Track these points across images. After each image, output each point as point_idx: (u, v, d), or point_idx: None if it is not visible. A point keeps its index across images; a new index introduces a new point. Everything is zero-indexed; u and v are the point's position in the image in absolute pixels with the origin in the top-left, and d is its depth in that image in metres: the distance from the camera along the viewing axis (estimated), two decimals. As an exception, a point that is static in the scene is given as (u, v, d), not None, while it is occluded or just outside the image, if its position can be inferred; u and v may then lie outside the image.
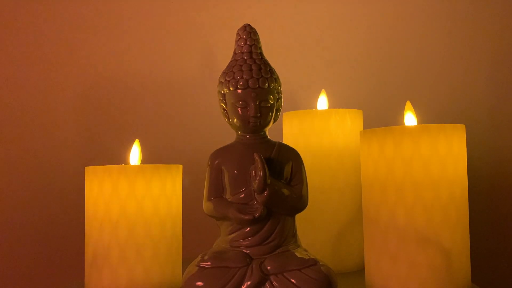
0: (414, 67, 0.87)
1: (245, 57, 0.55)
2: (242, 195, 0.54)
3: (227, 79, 0.55)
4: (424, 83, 0.87)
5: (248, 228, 0.53)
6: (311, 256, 0.51)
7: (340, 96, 0.78)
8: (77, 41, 0.88)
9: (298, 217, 0.56)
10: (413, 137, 0.52)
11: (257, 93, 0.54)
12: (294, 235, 0.55)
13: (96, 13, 0.89)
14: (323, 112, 0.68)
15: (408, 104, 0.59)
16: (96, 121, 0.88)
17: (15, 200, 0.86)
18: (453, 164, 0.52)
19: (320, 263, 0.51)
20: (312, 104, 0.75)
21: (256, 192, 0.52)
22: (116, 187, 0.56)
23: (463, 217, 0.54)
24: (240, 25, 0.57)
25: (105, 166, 0.57)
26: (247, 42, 0.56)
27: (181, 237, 0.61)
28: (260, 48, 0.56)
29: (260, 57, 0.55)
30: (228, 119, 0.56)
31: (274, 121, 0.57)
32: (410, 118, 0.58)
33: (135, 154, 0.63)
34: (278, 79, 0.56)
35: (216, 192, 0.55)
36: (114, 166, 0.57)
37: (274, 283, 0.49)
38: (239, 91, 0.54)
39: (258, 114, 0.54)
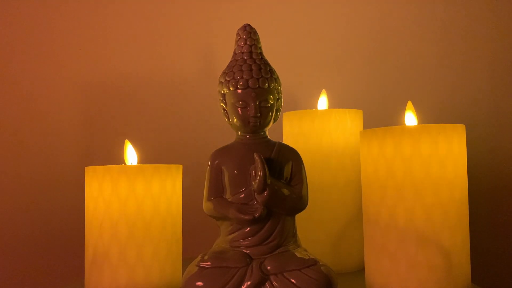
0: (414, 67, 0.87)
1: (245, 57, 0.55)
2: (242, 195, 0.54)
3: (227, 79, 0.55)
4: (424, 83, 0.87)
5: (248, 228, 0.53)
6: (311, 256, 0.51)
7: (340, 96, 0.78)
8: (77, 41, 0.88)
9: (298, 217, 0.56)
10: (413, 137, 0.52)
11: (257, 93, 0.54)
12: (294, 235, 0.55)
13: (96, 13, 0.89)
14: (323, 112, 0.68)
15: (410, 104, 0.59)
16: (96, 121, 0.88)
17: (15, 200, 0.86)
18: (453, 164, 0.52)
19: (320, 263, 0.51)
20: (312, 104, 0.75)
21: (256, 192, 0.52)
22: (116, 187, 0.56)
23: (463, 217, 0.54)
24: (240, 25, 0.56)
25: (105, 166, 0.57)
26: (247, 42, 0.55)
27: (181, 237, 0.61)
28: (260, 48, 0.56)
29: (260, 57, 0.55)
30: (228, 119, 0.56)
31: (274, 121, 0.57)
32: (410, 118, 0.58)
33: (132, 155, 0.63)
34: (278, 79, 0.56)
35: (216, 192, 0.55)
36: (114, 166, 0.57)
37: (274, 283, 0.49)
38: (239, 91, 0.54)
39: (258, 114, 0.54)
